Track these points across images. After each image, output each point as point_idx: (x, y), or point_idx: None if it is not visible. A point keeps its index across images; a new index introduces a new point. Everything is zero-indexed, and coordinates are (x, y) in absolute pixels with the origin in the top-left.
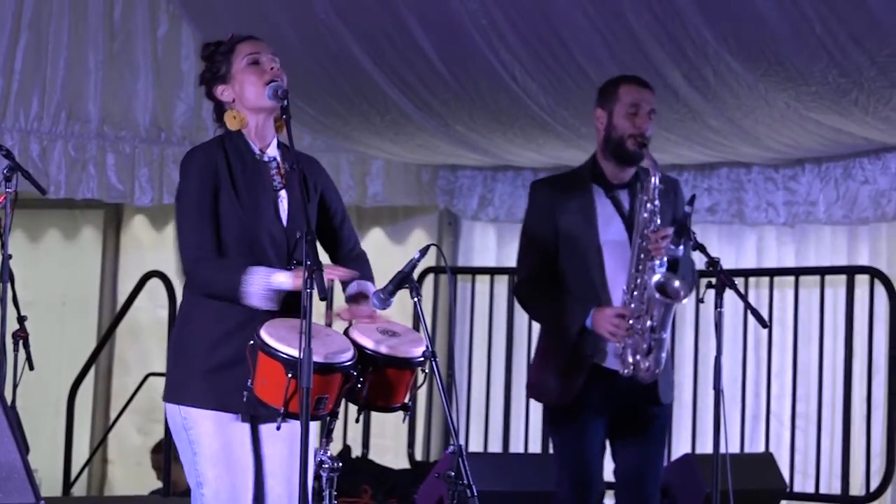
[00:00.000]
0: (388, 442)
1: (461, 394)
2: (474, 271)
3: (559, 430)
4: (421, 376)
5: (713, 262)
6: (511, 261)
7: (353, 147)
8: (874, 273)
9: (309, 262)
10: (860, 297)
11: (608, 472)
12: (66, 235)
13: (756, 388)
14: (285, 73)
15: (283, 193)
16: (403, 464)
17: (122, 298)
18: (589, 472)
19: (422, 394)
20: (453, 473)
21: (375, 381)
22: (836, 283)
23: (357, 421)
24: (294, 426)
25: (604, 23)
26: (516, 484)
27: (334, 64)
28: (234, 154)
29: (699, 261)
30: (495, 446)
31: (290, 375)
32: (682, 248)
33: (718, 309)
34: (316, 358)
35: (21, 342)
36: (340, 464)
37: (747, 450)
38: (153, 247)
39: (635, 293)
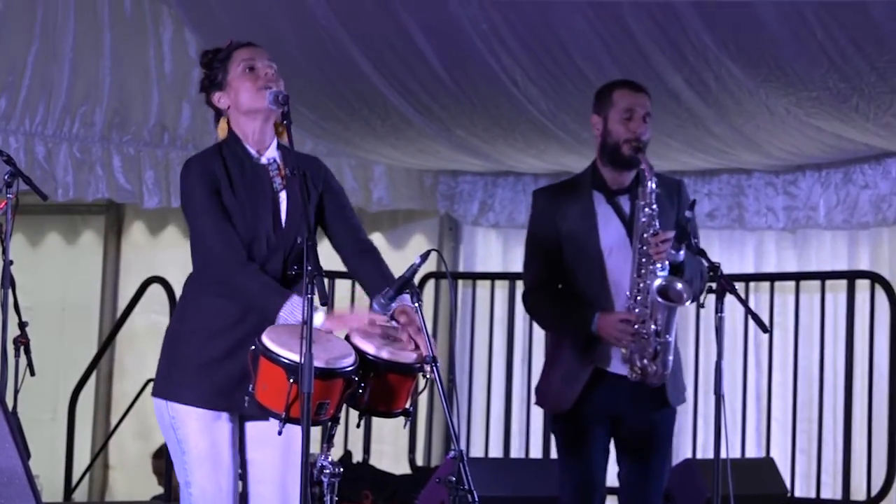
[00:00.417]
0: (389, 447)
1: (462, 399)
2: (475, 276)
3: (562, 434)
4: (422, 382)
5: (714, 268)
6: (512, 266)
7: (355, 152)
8: (875, 278)
9: (309, 268)
10: (861, 301)
11: (611, 475)
12: (67, 241)
13: (757, 393)
14: (284, 78)
15: (282, 196)
16: (404, 469)
17: (122, 304)
18: (592, 476)
19: (423, 399)
20: (454, 478)
21: (377, 387)
22: (837, 288)
23: (358, 426)
24: (288, 430)
25: (604, 28)
26: (517, 489)
27: (335, 69)
28: (233, 160)
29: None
30: (496, 451)
31: (291, 380)
32: (682, 252)
33: (719, 314)
34: (317, 363)
35: (22, 348)
36: (341, 469)
37: (748, 455)
38: (154, 252)
39: (638, 297)
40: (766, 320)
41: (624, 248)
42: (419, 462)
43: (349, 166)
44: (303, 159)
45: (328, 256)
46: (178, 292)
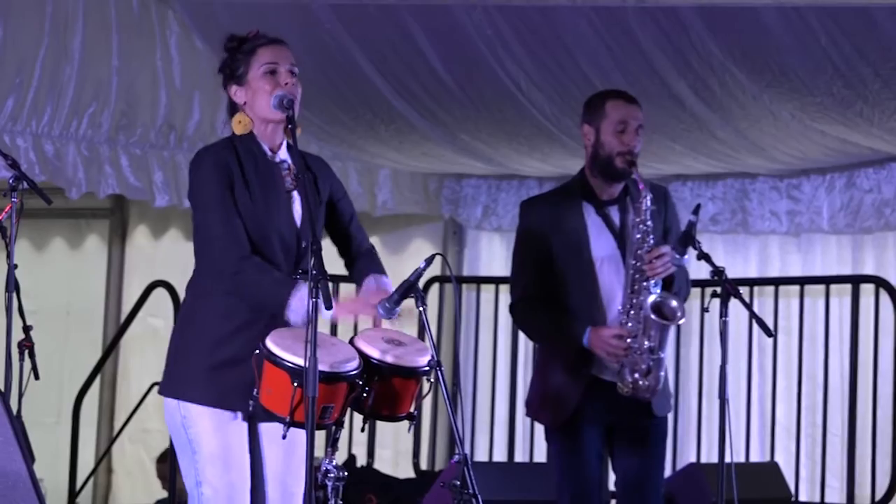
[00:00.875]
0: (393, 451)
1: (466, 403)
2: (479, 281)
3: (557, 443)
4: (426, 385)
5: (718, 272)
6: None
7: (359, 156)
8: (879, 282)
9: (315, 272)
10: (865, 306)
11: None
12: (71, 245)
13: (761, 397)
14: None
15: (295, 195)
16: (408, 473)
17: (126, 308)
18: (588, 483)
19: (427, 403)
20: (458, 482)
21: (381, 391)
22: (841, 293)
23: (362, 430)
24: (293, 430)
25: (608, 33)
26: (521, 493)
27: (340, 73)
28: (246, 154)
29: (705, 270)
30: (500, 455)
31: (295, 384)
32: (686, 257)
33: (723, 318)
34: (321, 367)
35: (26, 352)
36: (345, 473)
37: (752, 459)
38: (158, 256)
39: (631, 312)
40: (770, 324)
41: (615, 259)
42: (423, 466)
43: (354, 170)
44: (311, 160)
45: (333, 260)
46: (181, 296)
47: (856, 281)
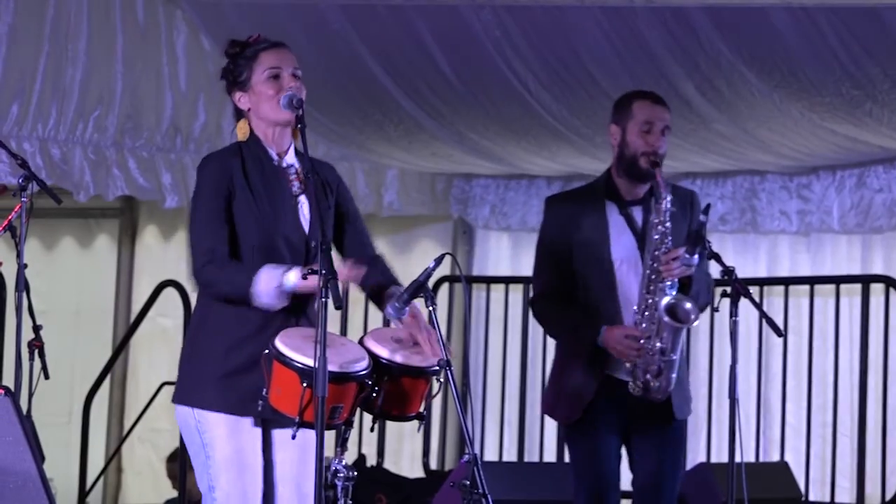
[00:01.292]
0: (403, 451)
1: (476, 403)
2: (489, 280)
3: (574, 442)
4: (436, 385)
5: (728, 272)
6: (524, 269)
7: (368, 156)
8: (889, 282)
9: (324, 271)
10: (875, 305)
11: (625, 480)
12: (81, 245)
13: (771, 397)
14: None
15: (302, 199)
16: (418, 473)
17: (136, 307)
18: (605, 483)
19: (437, 403)
20: (468, 482)
21: (390, 391)
22: (851, 292)
23: (372, 430)
24: (305, 432)
25: (616, 34)
26: (532, 493)
27: (348, 74)
28: (252, 160)
29: (714, 270)
30: (510, 455)
31: (305, 385)
32: (696, 257)
33: (734, 318)
34: (331, 367)
35: (36, 351)
36: (355, 473)
37: (762, 459)
38: (167, 256)
39: (646, 313)
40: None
41: (634, 260)
42: (433, 466)
43: (362, 171)
44: (318, 165)
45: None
46: (192, 295)
47: (866, 281)
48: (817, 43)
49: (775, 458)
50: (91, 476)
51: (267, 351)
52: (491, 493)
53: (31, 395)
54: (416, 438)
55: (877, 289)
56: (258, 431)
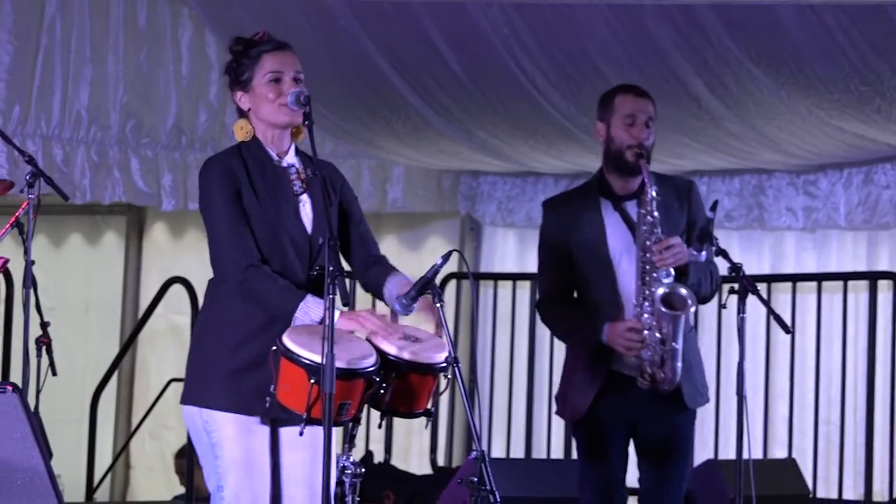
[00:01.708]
0: (411, 447)
1: (483, 399)
2: (496, 277)
3: (582, 438)
4: (443, 382)
5: (736, 268)
6: (531, 266)
7: (375, 153)
8: None
9: (331, 268)
10: (883, 302)
11: (632, 476)
12: (89, 241)
13: (778, 394)
14: (305, 79)
15: (304, 198)
16: (426, 469)
17: (144, 304)
18: (612, 479)
19: (444, 399)
20: (476, 479)
21: (398, 387)
22: (858, 289)
23: (380, 426)
24: (315, 431)
25: (625, 31)
26: (539, 490)
27: (355, 70)
28: (253, 161)
29: (722, 266)
30: (518, 452)
31: (312, 381)
32: (704, 253)
33: (741, 315)
34: (338, 364)
35: (44, 348)
36: (363, 469)
37: (770, 455)
38: (175, 252)
39: (645, 304)
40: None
41: (632, 254)
42: (441, 462)
43: (368, 168)
44: (321, 164)
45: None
46: (199, 292)
47: (873, 277)
48: (825, 40)
49: (783, 454)
50: (99, 472)
51: (275, 347)
52: (498, 489)
53: (38, 391)
54: (424, 435)
55: (884, 285)
56: (266, 430)
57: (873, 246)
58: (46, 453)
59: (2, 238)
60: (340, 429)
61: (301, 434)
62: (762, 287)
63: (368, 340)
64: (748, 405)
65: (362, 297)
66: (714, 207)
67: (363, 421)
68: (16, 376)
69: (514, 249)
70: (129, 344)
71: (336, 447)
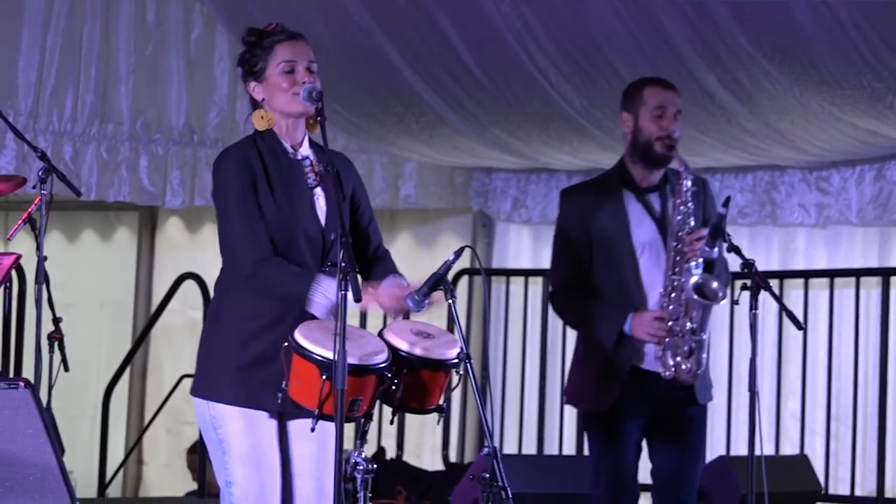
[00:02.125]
0: (423, 443)
1: (495, 395)
2: (508, 273)
3: (595, 433)
4: (455, 378)
5: (748, 264)
6: (544, 262)
7: (388, 149)
8: None
9: (344, 265)
10: (895, 298)
11: (644, 472)
12: (102, 237)
13: (791, 390)
14: (320, 78)
15: (318, 191)
16: (438, 465)
17: (156, 300)
18: (625, 474)
19: (456, 395)
20: (488, 475)
21: (410, 383)
22: (870, 285)
23: (392, 423)
24: (324, 425)
25: (637, 26)
26: (551, 486)
27: (369, 66)
28: (268, 152)
29: (734, 262)
30: (530, 448)
31: (324, 377)
32: (716, 249)
33: (754, 311)
34: (350, 360)
35: (56, 343)
36: (375, 465)
37: (782, 452)
38: (188, 248)
39: (672, 295)
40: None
41: (656, 246)
42: (453, 458)
43: (380, 164)
44: (335, 157)
45: None
46: (211, 288)
47: (885, 273)
48: (838, 36)
49: (795, 450)
50: (111, 468)
51: (286, 343)
52: (510, 485)
53: (50, 387)
54: (436, 431)
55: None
56: (274, 424)
57: (885, 242)
58: (59, 449)
59: (15, 234)
60: (352, 425)
61: (312, 430)
62: (774, 283)
63: (380, 336)
64: (760, 401)
65: None
66: (726, 203)
67: (375, 417)
68: (28, 372)
69: (526, 245)
70: (141, 340)
71: (348, 443)
